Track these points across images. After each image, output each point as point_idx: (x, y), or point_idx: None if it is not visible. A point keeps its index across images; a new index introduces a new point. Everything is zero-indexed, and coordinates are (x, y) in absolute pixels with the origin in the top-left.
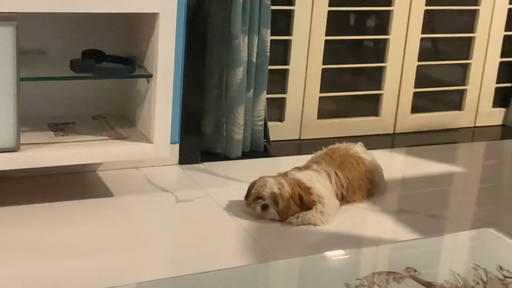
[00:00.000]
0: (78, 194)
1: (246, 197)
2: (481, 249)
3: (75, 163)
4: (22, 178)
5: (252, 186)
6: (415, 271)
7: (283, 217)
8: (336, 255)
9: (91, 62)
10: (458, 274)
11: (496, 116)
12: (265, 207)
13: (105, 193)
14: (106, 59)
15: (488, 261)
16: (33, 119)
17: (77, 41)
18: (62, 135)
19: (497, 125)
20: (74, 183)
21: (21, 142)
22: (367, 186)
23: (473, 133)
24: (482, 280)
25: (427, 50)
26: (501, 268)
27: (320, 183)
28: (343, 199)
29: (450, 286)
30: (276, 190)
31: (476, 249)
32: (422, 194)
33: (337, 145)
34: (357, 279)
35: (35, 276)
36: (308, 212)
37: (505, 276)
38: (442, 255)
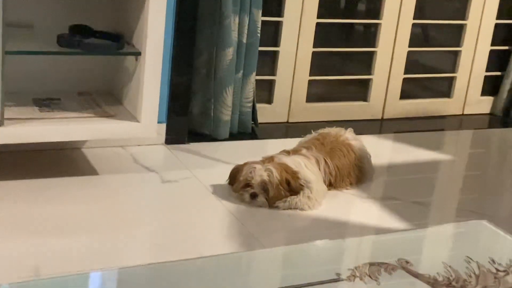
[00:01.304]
0: (62, 171)
1: (231, 182)
2: (473, 241)
3: (60, 140)
4: (2, 154)
5: (236, 172)
6: (407, 262)
7: (272, 203)
8: (327, 244)
9: (79, 37)
10: (450, 266)
11: (484, 105)
12: (254, 196)
13: (90, 171)
14: (94, 35)
15: (481, 253)
16: (18, 93)
17: (65, 16)
18: (47, 111)
19: (485, 114)
20: (58, 160)
21: (5, 117)
22: (356, 174)
23: (461, 121)
24: (474, 273)
25: (418, 36)
26: (493, 261)
27: (308, 169)
28: (331, 186)
29: (443, 278)
30: (265, 177)
31: (468, 241)
32: (408, 181)
33: (327, 130)
34: (349, 269)
35: (15, 254)
36: (295, 196)
37: (497, 270)
38: (435, 246)
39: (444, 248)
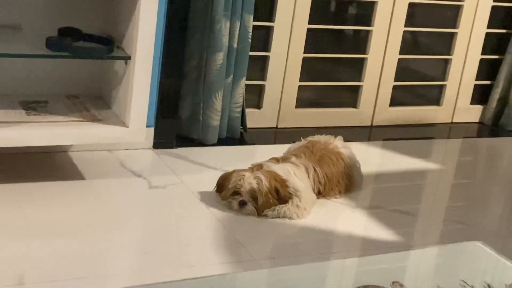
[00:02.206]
0: (48, 175)
1: (219, 190)
2: (468, 264)
3: (47, 144)
4: None
5: (224, 179)
6: (401, 285)
7: (261, 212)
8: (319, 266)
9: (68, 40)
10: None
11: (473, 113)
12: (242, 204)
13: (76, 175)
14: (84, 38)
15: (476, 277)
16: (5, 96)
17: (54, 18)
18: (34, 114)
19: (474, 122)
20: (44, 163)
21: None
22: (345, 182)
23: (450, 129)
24: None
25: (409, 44)
26: (489, 286)
27: (297, 177)
28: (320, 194)
29: None
30: (254, 185)
31: (463, 263)
32: (396, 189)
33: (317, 137)
34: None
35: (0, 258)
36: (284, 205)
37: None
38: (429, 269)
39: (438, 271)
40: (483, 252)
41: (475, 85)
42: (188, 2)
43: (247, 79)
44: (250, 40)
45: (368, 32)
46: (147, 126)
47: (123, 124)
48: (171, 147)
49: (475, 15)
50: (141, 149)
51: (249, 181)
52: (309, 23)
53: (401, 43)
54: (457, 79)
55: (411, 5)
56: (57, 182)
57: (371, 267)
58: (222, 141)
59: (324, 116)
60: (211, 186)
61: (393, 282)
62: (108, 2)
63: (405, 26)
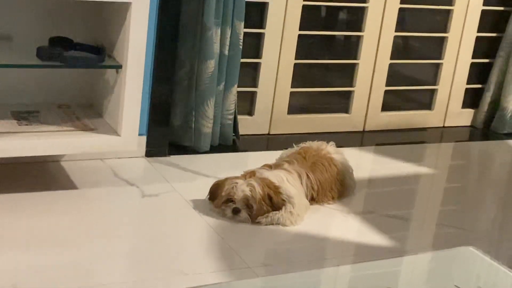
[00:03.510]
0: (40, 185)
1: (212, 198)
2: (461, 269)
3: (39, 154)
4: None
5: (217, 187)
6: None
7: (254, 219)
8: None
9: (59, 50)
10: None
11: (465, 117)
12: (236, 211)
13: (68, 184)
14: (75, 47)
15: (469, 282)
16: None
17: (45, 27)
18: (26, 124)
19: (465, 126)
20: (36, 173)
21: None
22: (338, 188)
23: (442, 133)
24: None
25: (400, 48)
26: None
27: (290, 183)
28: (313, 200)
29: None
30: (248, 193)
31: (456, 269)
32: (389, 194)
33: (309, 144)
34: None
35: None
36: (277, 212)
37: None
38: (423, 274)
39: (432, 276)
40: (476, 257)
41: (466, 89)
42: (178, 10)
43: (238, 86)
44: (241, 47)
45: (359, 37)
46: (139, 135)
47: (115, 132)
48: (164, 155)
49: (465, 19)
50: (133, 157)
51: (242, 189)
52: (300, 30)
53: (392, 48)
54: (448, 83)
55: (401, 10)
56: (49, 191)
57: (365, 273)
58: (215, 149)
59: (316, 122)
60: (204, 193)
61: None
62: (99, 11)
63: (396, 31)
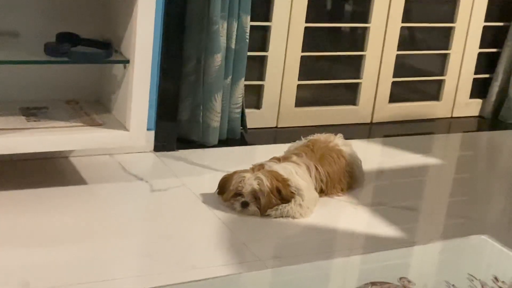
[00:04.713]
0: (49, 181)
1: (221, 192)
2: (475, 258)
3: (48, 150)
4: None
5: (226, 181)
6: (409, 281)
7: (263, 212)
8: (327, 264)
9: (66, 46)
10: (453, 285)
11: (473, 107)
12: (245, 205)
13: (78, 180)
14: (82, 43)
15: (483, 271)
16: (4, 103)
17: (52, 23)
18: (35, 121)
19: (474, 116)
20: (45, 169)
21: None
22: (346, 180)
23: (450, 124)
24: None
25: (407, 39)
26: (496, 279)
27: (299, 176)
28: (322, 193)
29: None
30: (256, 186)
31: (470, 258)
32: (398, 186)
33: (317, 136)
34: None
35: (3, 267)
36: (287, 204)
37: None
38: (436, 264)
39: (445, 265)
40: (489, 245)
41: (474, 79)
42: (185, 4)
43: (245, 80)
44: (247, 40)
45: (365, 29)
46: (147, 129)
47: (124, 128)
48: (172, 150)
49: (472, 8)
50: (142, 152)
51: (250, 182)
52: (306, 22)
53: (399, 39)
54: (456, 74)
55: (407, 0)
56: (59, 187)
57: (377, 263)
58: (223, 142)
59: (324, 114)
60: (213, 187)
61: (400, 278)
62: (106, 6)
63: (402, 22)
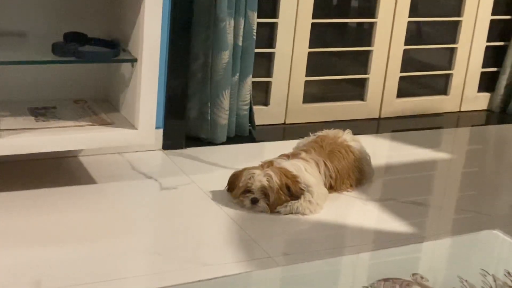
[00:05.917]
0: (59, 180)
1: (230, 189)
2: (487, 253)
3: (57, 150)
4: None
5: (235, 178)
6: (422, 277)
7: (273, 209)
8: (339, 261)
9: (74, 45)
10: (466, 280)
11: (481, 101)
12: (254, 201)
13: (87, 179)
14: (89, 42)
15: (496, 266)
16: (13, 103)
17: (59, 23)
18: (43, 120)
19: (482, 110)
20: (55, 169)
21: (1, 128)
22: (355, 175)
23: (458, 118)
24: (491, 287)
25: (414, 34)
26: (509, 273)
27: (308, 172)
28: (332, 189)
29: None
30: (265, 183)
31: (482, 253)
32: (407, 180)
33: (325, 132)
34: (363, 286)
35: (14, 266)
36: (296, 201)
37: None
38: (448, 260)
39: (458, 261)
40: (501, 240)
41: (482, 73)
42: (191, 2)
43: (253, 77)
44: (255, 37)
45: (372, 24)
46: (156, 128)
47: (132, 126)
48: (181, 148)
49: (479, 2)
50: (150, 150)
51: (259, 179)
52: (313, 18)
53: (406, 33)
54: (464, 68)
55: None
56: (68, 187)
57: (390, 259)
58: (231, 140)
59: (332, 110)
60: (222, 185)
61: (413, 274)
62: (112, 5)
63: (409, 16)
